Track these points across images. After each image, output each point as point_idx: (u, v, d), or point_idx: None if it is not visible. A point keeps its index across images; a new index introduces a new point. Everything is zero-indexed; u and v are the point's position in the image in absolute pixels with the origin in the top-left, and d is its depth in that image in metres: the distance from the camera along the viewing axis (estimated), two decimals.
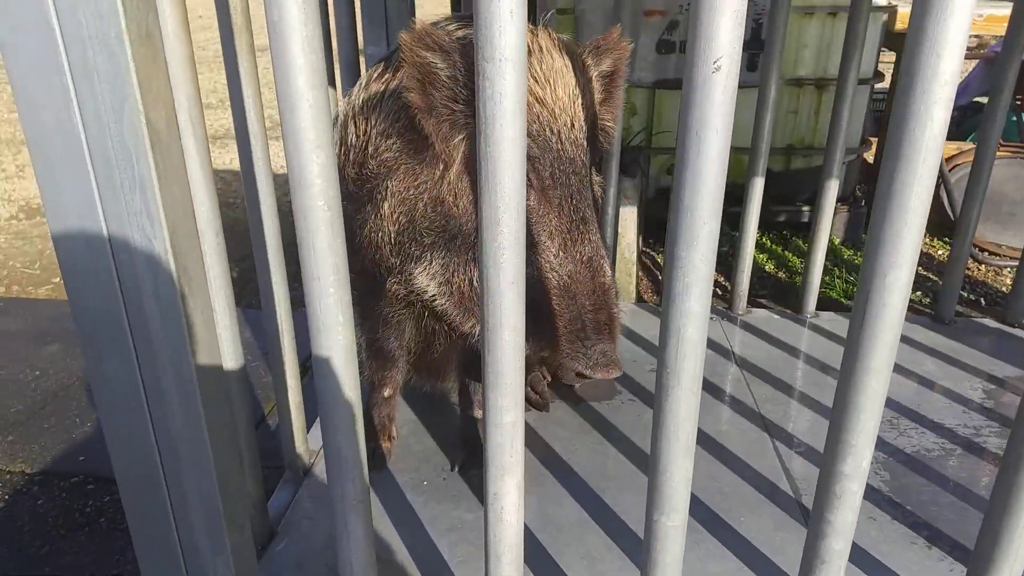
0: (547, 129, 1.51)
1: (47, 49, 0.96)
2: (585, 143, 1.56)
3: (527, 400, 2.37)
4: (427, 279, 1.67)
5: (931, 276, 3.71)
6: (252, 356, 3.07)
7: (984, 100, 4.96)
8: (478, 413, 2.08)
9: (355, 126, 1.77)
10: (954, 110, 3.46)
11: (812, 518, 1.23)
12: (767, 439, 2.16)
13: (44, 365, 3.21)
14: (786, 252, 3.89)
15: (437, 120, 1.50)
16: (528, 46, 1.53)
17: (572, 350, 1.50)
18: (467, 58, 1.47)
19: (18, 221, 5.24)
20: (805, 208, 3.91)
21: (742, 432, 2.20)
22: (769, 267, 3.80)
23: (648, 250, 3.92)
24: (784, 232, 4.05)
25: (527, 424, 2.25)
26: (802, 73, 3.66)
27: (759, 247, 4.00)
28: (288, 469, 2.01)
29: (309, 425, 2.10)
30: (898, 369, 2.53)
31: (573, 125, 1.54)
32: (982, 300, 3.52)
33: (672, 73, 3.69)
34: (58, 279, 3.97)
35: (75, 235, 1.06)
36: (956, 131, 4.48)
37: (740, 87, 3.17)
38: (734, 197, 3.95)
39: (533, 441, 2.17)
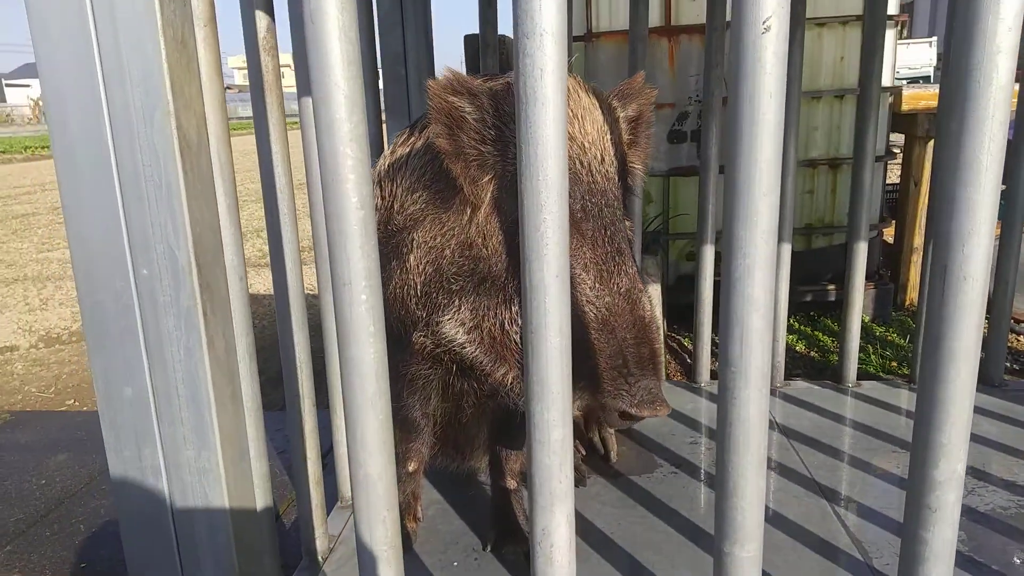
0: (577, 163, 1.48)
1: (80, 50, 0.95)
2: (616, 178, 1.53)
3: None
4: (455, 326, 1.59)
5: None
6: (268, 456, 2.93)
7: None
8: (511, 484, 1.93)
9: (380, 189, 1.77)
10: None
11: (904, 540, 1.08)
12: (826, 505, 1.98)
13: (51, 473, 3.08)
14: (816, 332, 3.79)
15: (465, 163, 1.49)
16: None
17: (615, 387, 1.39)
18: (494, 100, 1.48)
19: (37, 350, 5.28)
20: (831, 287, 3.84)
21: (798, 499, 2.02)
22: (800, 347, 3.68)
23: (673, 334, 3.82)
24: (812, 313, 3.96)
25: None
26: (815, 154, 3.71)
27: (788, 329, 3.90)
28: (305, 556, 1.85)
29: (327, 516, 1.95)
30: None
31: (603, 159, 1.51)
32: None
33: (684, 161, 3.75)
34: (72, 401, 3.91)
35: (95, 242, 1.01)
36: None
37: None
38: None
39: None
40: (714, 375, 3.35)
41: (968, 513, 1.92)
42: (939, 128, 2.61)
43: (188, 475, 1.09)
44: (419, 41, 2.58)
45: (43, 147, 23.27)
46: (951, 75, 0.92)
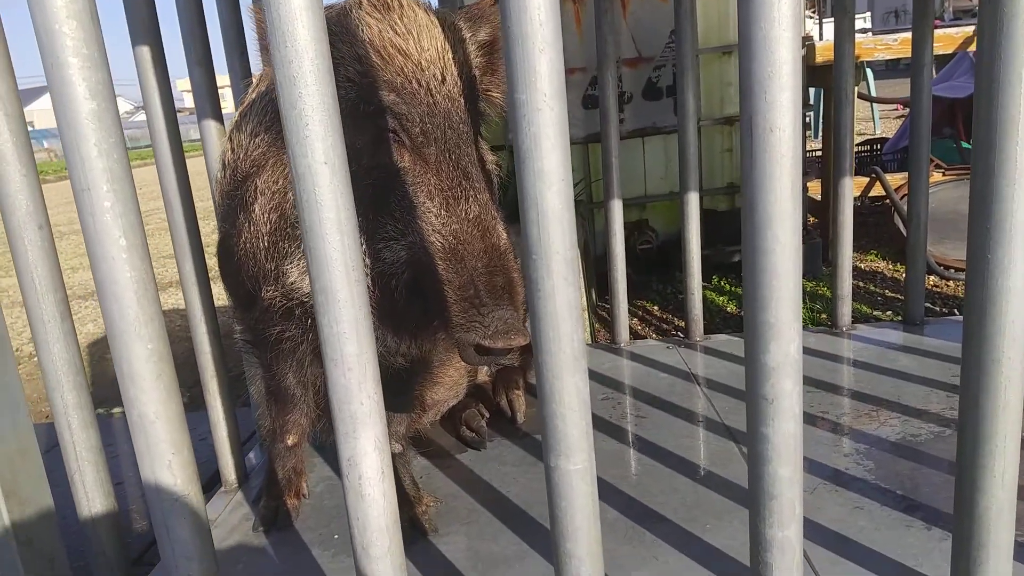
0: (413, 81, 1.36)
1: None
2: (461, 100, 1.42)
3: (464, 441, 2.09)
4: (301, 272, 1.47)
5: (899, 298, 3.53)
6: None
7: None
8: (396, 447, 1.80)
9: (231, 142, 1.65)
10: (896, 151, 3.46)
11: (748, 442, 0.97)
12: (733, 448, 1.88)
13: None
14: None
15: None
16: (387, 3, 1.43)
17: (467, 320, 1.26)
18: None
19: None
20: None
21: (707, 444, 1.93)
22: (731, 307, 3.61)
23: (603, 304, 3.73)
24: (743, 274, 3.90)
25: (460, 463, 1.97)
26: (730, 112, 3.65)
27: (718, 290, 3.83)
28: None
29: None
30: (873, 368, 2.30)
31: (444, 79, 1.40)
32: (956, 311, 3.33)
33: (593, 127, 3.66)
34: None
35: None
36: (902, 165, 4.48)
37: (670, 132, 3.15)
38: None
39: (468, 479, 1.88)
40: (634, 335, 3.26)
41: (879, 443, 1.84)
42: None
43: None
44: None
45: None
46: None
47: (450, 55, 1.43)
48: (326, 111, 0.86)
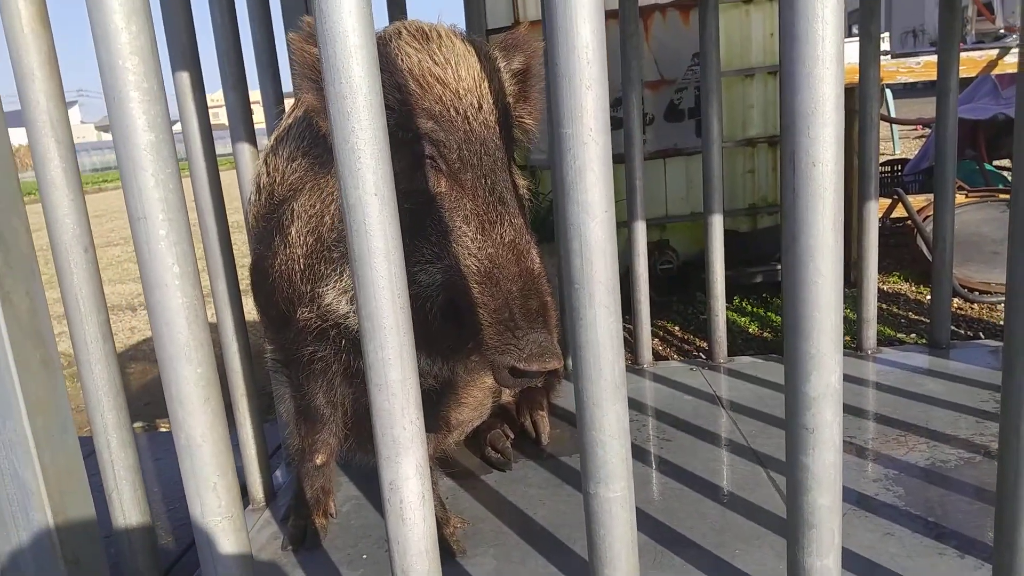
0: (451, 109, 1.39)
1: None
2: (497, 127, 1.44)
3: (489, 462, 2.10)
4: (338, 295, 1.49)
5: (923, 320, 3.51)
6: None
7: None
8: None
9: (266, 166, 1.69)
10: (918, 172, 3.47)
11: (788, 470, 0.98)
12: (761, 472, 1.88)
13: None
14: (769, 313, 3.71)
15: None
16: (426, 33, 1.47)
17: (501, 343, 1.28)
18: None
19: None
20: (780, 267, 3.77)
21: (732, 467, 1.92)
22: (753, 328, 3.60)
23: (626, 324, 3.73)
24: (764, 294, 3.89)
25: (486, 484, 1.98)
26: (753, 133, 3.66)
27: (740, 311, 3.82)
28: None
29: None
30: (900, 392, 2.29)
31: (481, 107, 1.42)
32: (980, 335, 3.30)
33: (621, 147, 3.68)
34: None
35: None
36: (925, 186, 4.47)
37: (691, 154, 3.17)
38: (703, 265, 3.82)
39: (495, 500, 1.88)
40: (656, 355, 3.26)
41: (908, 469, 1.83)
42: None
43: None
44: None
45: None
46: None
47: (486, 84, 1.46)
48: (377, 144, 0.89)
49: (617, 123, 3.69)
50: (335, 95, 0.86)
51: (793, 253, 0.89)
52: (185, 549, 1.93)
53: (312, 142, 1.56)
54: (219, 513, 0.98)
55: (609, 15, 3.42)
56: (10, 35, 1.10)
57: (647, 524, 1.69)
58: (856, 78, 3.75)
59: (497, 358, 1.29)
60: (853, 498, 1.71)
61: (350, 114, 0.86)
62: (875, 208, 2.63)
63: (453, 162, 1.38)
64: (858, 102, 2.60)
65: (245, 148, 1.97)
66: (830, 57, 0.81)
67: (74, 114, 78.59)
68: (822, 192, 0.85)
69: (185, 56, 1.73)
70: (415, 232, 1.41)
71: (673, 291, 3.92)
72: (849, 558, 1.48)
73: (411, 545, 0.98)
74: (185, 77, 1.75)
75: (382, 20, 1.56)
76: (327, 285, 1.51)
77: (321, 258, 1.52)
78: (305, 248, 1.54)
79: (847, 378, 2.42)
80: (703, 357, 3.17)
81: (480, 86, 1.44)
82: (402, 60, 1.40)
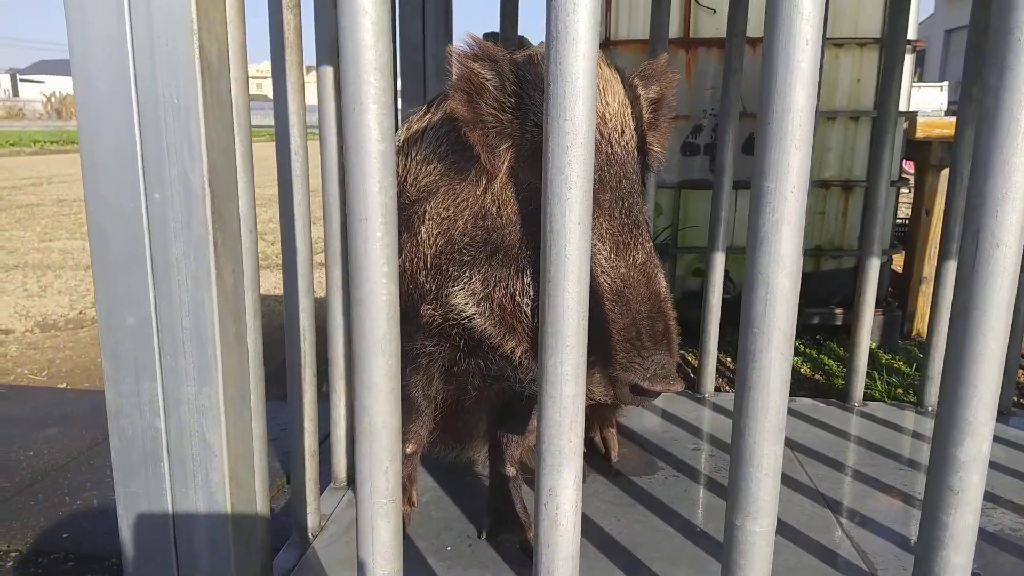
0: (597, 132, 1.46)
1: None
2: (635, 152, 1.52)
3: None
4: (466, 297, 1.56)
5: None
6: None
7: None
8: (510, 471, 1.89)
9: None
10: None
11: (923, 523, 1.03)
12: (830, 516, 1.93)
13: (38, 446, 3.03)
14: (821, 355, 3.75)
15: (483, 131, 1.47)
16: None
17: (627, 360, 1.35)
18: (515, 68, 1.47)
19: (32, 334, 5.29)
20: (838, 311, 3.81)
21: (802, 508, 1.98)
22: (805, 369, 3.64)
23: (681, 351, 3.78)
24: (818, 336, 3.92)
25: None
26: (828, 175, 3.71)
27: (795, 352, 3.86)
28: (296, 531, 1.80)
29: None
30: None
31: (623, 132, 1.50)
32: None
33: (696, 174, 3.74)
34: (64, 385, 3.87)
35: (107, 163, 0.98)
36: None
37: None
38: None
39: None
40: (718, 388, 3.31)
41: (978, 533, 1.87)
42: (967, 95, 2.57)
43: (187, 413, 1.05)
44: (439, 32, 2.58)
45: (52, 142, 23.39)
46: (992, 32, 0.90)
47: (628, 110, 1.53)
48: (587, 179, 0.96)
49: (693, 149, 3.76)
50: (556, 130, 0.93)
51: (963, 326, 0.94)
52: None
53: (450, 148, 1.62)
54: (385, 496, 1.06)
55: (712, 43, 3.50)
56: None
57: None
58: (931, 131, 3.81)
59: (621, 374, 1.35)
60: None
61: (568, 148, 0.93)
62: (954, 267, 2.66)
63: (594, 182, 1.45)
64: (951, 161, 2.63)
65: None
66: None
67: None
68: (1001, 273, 0.91)
69: (331, 52, 1.81)
70: None
71: (728, 321, 3.96)
72: None
73: (560, 549, 1.05)
74: (329, 72, 1.83)
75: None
76: (456, 286, 1.58)
77: (450, 260, 1.59)
78: (434, 249, 1.62)
79: (912, 433, 2.48)
80: None
81: (623, 112, 1.51)
82: None
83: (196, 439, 1.06)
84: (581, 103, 0.92)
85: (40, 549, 2.31)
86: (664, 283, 1.44)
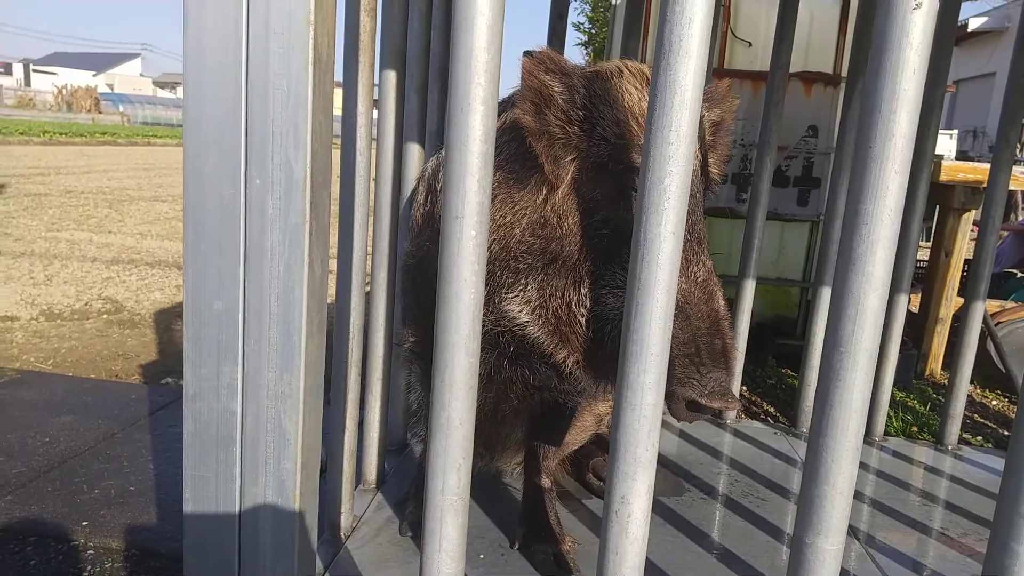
0: None
1: None
2: (699, 171, 1.54)
3: (590, 488, 2.16)
4: (520, 304, 1.57)
5: (989, 423, 3.55)
6: None
7: (1015, 270, 5.06)
8: (546, 482, 1.89)
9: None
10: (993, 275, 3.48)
11: (990, 550, 1.04)
12: (856, 545, 1.93)
13: (55, 433, 3.01)
14: None
15: (549, 142, 1.49)
16: (647, 75, 1.56)
17: (686, 375, 1.36)
18: (585, 82, 1.49)
19: (38, 322, 5.29)
20: None
21: None
22: None
23: None
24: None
25: (588, 509, 2.05)
26: None
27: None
28: (328, 529, 1.79)
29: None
30: (981, 491, 2.34)
31: None
32: None
33: (723, 202, 3.78)
34: (70, 374, 3.86)
35: (211, 146, 1.00)
36: (997, 291, 4.51)
37: (789, 220, 3.25)
38: (781, 331, 3.87)
39: (598, 526, 1.94)
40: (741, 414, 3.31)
41: None
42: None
43: (265, 398, 1.05)
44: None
45: (61, 133, 23.46)
46: None
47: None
48: (685, 190, 0.97)
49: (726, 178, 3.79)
50: (660, 140, 0.95)
51: None
52: None
53: (509, 157, 1.63)
54: (456, 493, 1.06)
55: (745, 76, 3.55)
56: None
57: None
58: (956, 176, 3.85)
59: (679, 389, 1.36)
60: None
61: (670, 159, 0.95)
62: (981, 309, 2.68)
63: None
64: (983, 205, 2.66)
65: (415, 150, 2.06)
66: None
67: (135, 67, 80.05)
68: None
69: (397, 55, 1.84)
70: (610, 258, 1.49)
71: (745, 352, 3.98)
72: None
73: (628, 558, 1.05)
74: (392, 75, 1.86)
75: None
76: (510, 293, 1.58)
77: (505, 267, 1.60)
78: (489, 255, 1.63)
79: (933, 470, 2.48)
80: (770, 423, 3.23)
81: None
82: (624, 98, 1.50)
83: (272, 425, 1.06)
84: (687, 115, 0.94)
85: (59, 535, 2.29)
86: (723, 302, 1.46)
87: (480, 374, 1.80)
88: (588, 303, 1.48)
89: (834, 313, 0.98)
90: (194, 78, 0.99)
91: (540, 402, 1.84)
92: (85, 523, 2.39)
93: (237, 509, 1.09)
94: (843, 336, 0.97)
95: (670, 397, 1.40)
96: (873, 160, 0.93)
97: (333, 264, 1.68)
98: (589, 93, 1.49)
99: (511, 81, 1.68)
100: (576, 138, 1.49)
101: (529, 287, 1.56)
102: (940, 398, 3.77)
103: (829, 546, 1.02)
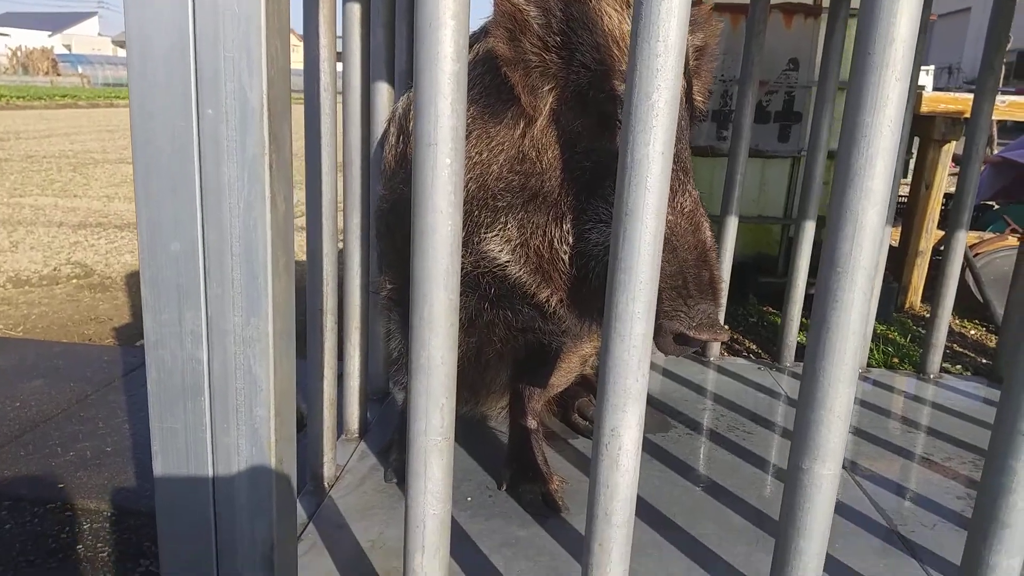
0: None
1: None
2: (684, 98, 1.47)
3: (576, 428, 2.14)
4: (500, 243, 1.51)
5: (968, 352, 3.58)
6: None
7: (991, 202, 5.07)
8: (532, 423, 1.86)
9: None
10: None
11: (986, 471, 1.02)
12: (846, 475, 1.94)
13: (25, 397, 2.93)
14: None
15: (525, 71, 1.41)
16: (627, 0, 1.48)
17: (673, 308, 1.31)
18: (562, 4, 1.40)
19: (5, 290, 5.14)
20: None
21: None
22: (803, 337, 3.66)
23: None
24: None
25: (575, 448, 2.03)
26: (835, 146, 3.68)
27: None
28: (311, 480, 1.75)
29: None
30: (965, 417, 2.36)
31: None
32: None
33: (702, 140, 3.71)
34: (41, 340, 3.75)
35: (158, 75, 0.91)
36: (975, 224, 4.53)
37: (770, 157, 3.18)
38: (763, 269, 3.85)
39: (586, 465, 1.93)
40: (721, 352, 3.30)
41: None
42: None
43: (232, 344, 0.99)
44: None
45: (18, 97, 22.63)
46: None
47: None
48: (674, 105, 0.91)
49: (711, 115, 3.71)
50: (647, 52, 0.88)
51: None
52: None
53: (484, 91, 1.55)
54: (440, 433, 1.02)
55: (724, 8, 3.44)
56: None
57: (748, 511, 1.74)
58: (937, 106, 3.81)
59: (666, 323, 1.31)
60: (944, 512, 1.78)
61: (658, 72, 0.89)
62: (963, 239, 2.67)
63: None
64: (966, 134, 2.62)
65: (384, 89, 1.96)
66: None
67: (92, 26, 77.02)
68: None
69: None
70: (592, 191, 1.43)
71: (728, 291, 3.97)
72: (937, 562, 1.56)
73: (620, 491, 1.02)
74: (355, 8, 1.75)
75: None
76: (489, 233, 1.52)
77: (483, 206, 1.53)
78: (466, 194, 1.56)
79: (916, 398, 2.50)
80: (753, 359, 3.23)
81: None
82: (604, 21, 1.41)
83: (242, 372, 1.00)
84: (675, 24, 0.88)
85: (34, 498, 2.24)
86: (710, 233, 1.41)
87: (461, 318, 1.75)
88: (571, 239, 1.43)
89: (831, 232, 0.94)
90: (136, 9, 0.90)
91: (524, 344, 1.80)
92: (61, 485, 2.33)
93: (209, 459, 1.04)
94: (840, 255, 0.93)
95: (658, 331, 1.36)
96: (872, 68, 0.87)
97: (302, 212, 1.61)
98: (567, 17, 1.41)
99: (484, 11, 1.59)
100: (554, 66, 1.41)
101: (509, 225, 1.50)
102: (920, 330, 3.80)
103: (827, 471, 1.00)
